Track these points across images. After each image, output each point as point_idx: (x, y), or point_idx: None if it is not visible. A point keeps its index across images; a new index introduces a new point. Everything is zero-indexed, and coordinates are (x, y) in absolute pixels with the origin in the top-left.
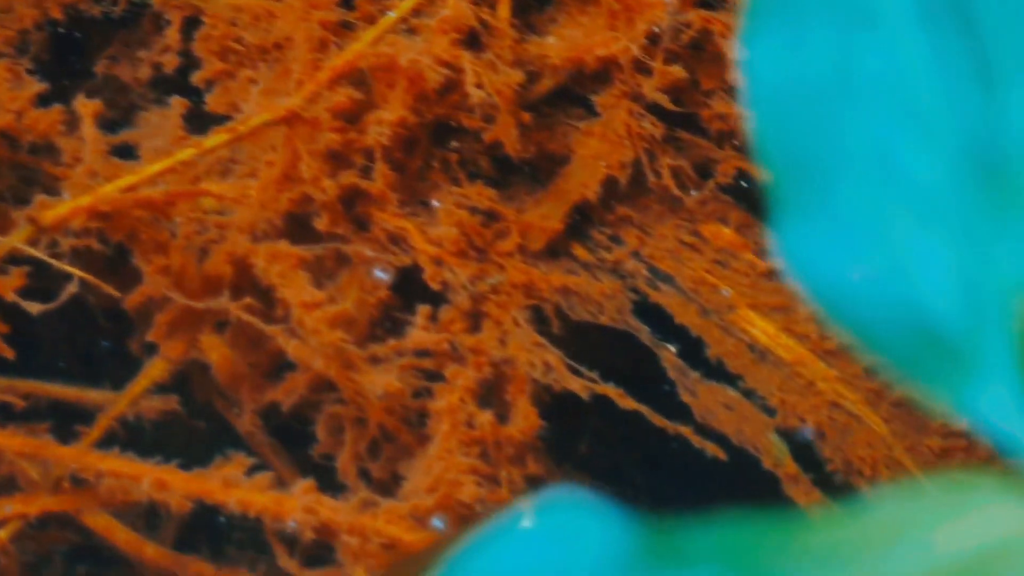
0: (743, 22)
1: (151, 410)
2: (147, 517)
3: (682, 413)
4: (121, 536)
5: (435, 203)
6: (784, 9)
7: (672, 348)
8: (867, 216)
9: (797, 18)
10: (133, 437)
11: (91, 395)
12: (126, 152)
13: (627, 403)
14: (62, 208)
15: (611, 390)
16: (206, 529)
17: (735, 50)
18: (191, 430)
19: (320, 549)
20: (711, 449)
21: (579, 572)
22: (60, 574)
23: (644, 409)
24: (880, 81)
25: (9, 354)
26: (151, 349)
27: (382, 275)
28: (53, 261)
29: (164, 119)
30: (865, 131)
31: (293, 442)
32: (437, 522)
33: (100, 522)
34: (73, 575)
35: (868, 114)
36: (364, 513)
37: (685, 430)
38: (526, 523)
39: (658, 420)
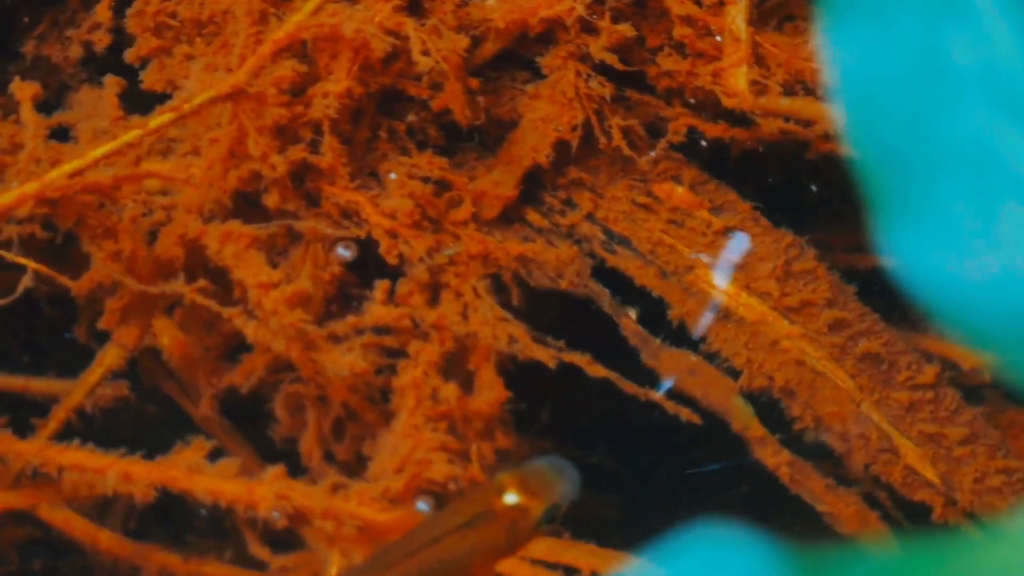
0: (823, 14)
1: (103, 397)
2: (101, 507)
3: (650, 378)
4: (80, 528)
5: (392, 175)
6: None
7: (632, 314)
8: (973, 212)
9: (880, 8)
10: (82, 425)
11: (47, 385)
12: (61, 135)
13: (596, 371)
14: (8, 196)
15: (579, 358)
16: (165, 518)
17: (818, 43)
18: (141, 415)
19: (289, 533)
20: (685, 415)
21: None
22: (16, 568)
23: (614, 376)
24: (972, 72)
25: None
26: (99, 337)
27: (344, 252)
28: (4, 253)
29: (99, 99)
30: (962, 124)
31: (248, 425)
32: (422, 504)
33: (58, 516)
34: (29, 569)
35: (963, 106)
36: (336, 496)
37: (658, 397)
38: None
39: (629, 387)
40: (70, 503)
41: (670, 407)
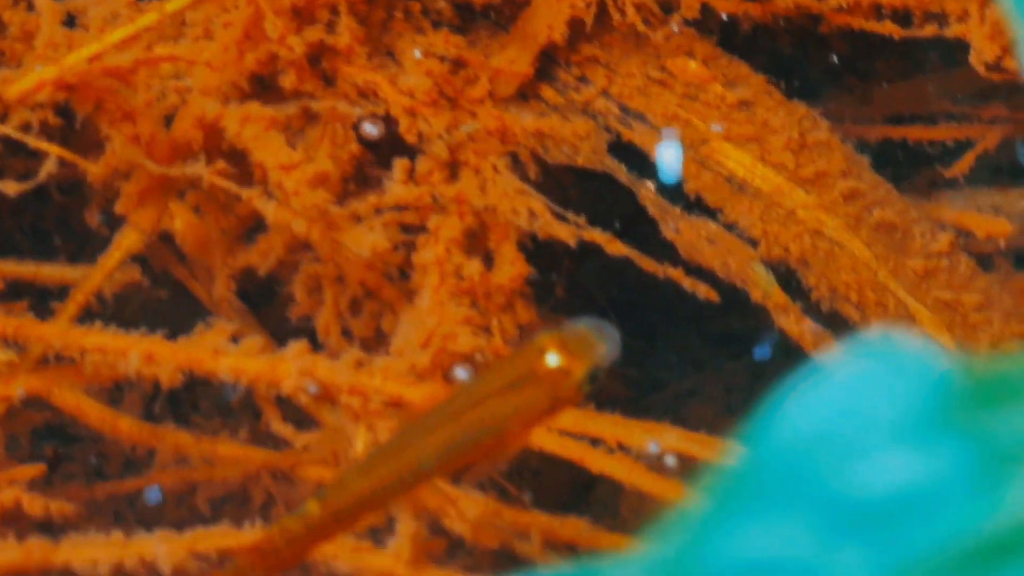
0: None
1: (114, 283)
2: (110, 392)
3: (667, 253)
4: (93, 413)
5: (416, 53)
6: None
7: (651, 185)
8: None
9: None
10: (94, 311)
11: (58, 272)
12: (69, 22)
13: (616, 248)
14: (27, 82)
15: (600, 235)
16: (169, 401)
17: None
18: (152, 300)
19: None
20: (702, 291)
21: (907, 408)
22: (27, 455)
23: (634, 254)
24: None
25: None
26: (111, 222)
27: (371, 129)
28: (27, 138)
29: None
30: None
31: (258, 311)
32: (460, 372)
33: (70, 400)
34: (40, 454)
35: None
36: (361, 372)
37: (675, 272)
38: (844, 366)
39: (648, 265)
40: (86, 388)
41: (688, 283)
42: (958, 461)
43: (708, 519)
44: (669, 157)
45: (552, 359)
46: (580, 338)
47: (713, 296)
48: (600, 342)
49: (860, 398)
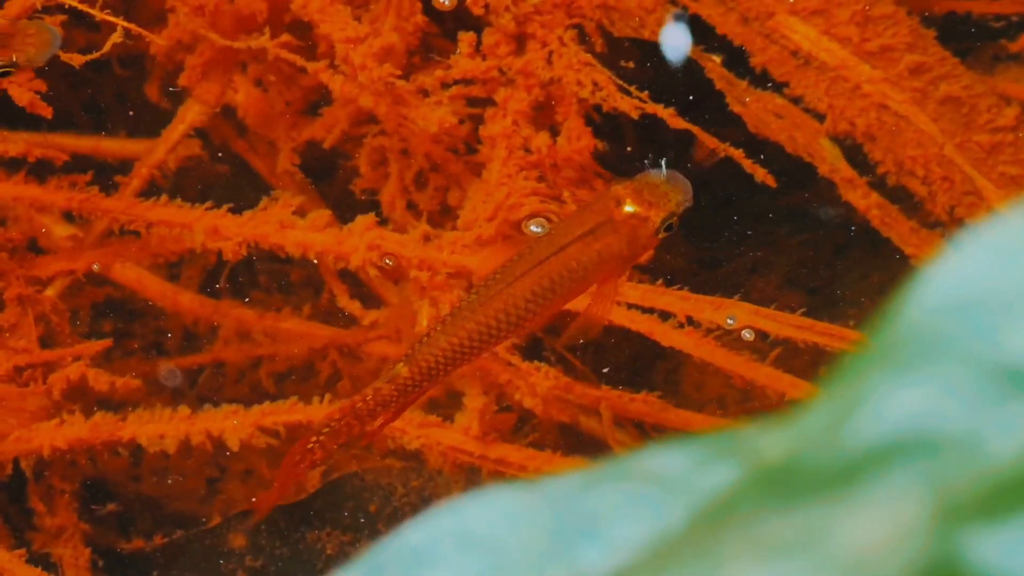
0: None
1: (176, 157)
2: (167, 269)
3: (733, 126)
4: (154, 288)
5: None
6: None
7: (717, 59)
8: None
9: None
10: (157, 186)
11: (119, 145)
12: None
13: (677, 123)
14: None
15: (662, 110)
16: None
17: None
18: (211, 174)
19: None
20: (760, 174)
21: None
22: (86, 330)
23: (695, 129)
24: None
25: (48, 112)
26: (173, 96)
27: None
28: (93, 11)
29: None
30: None
31: (320, 182)
32: (535, 227)
33: (130, 275)
34: (100, 330)
35: None
36: (429, 245)
37: (736, 152)
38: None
39: (709, 140)
40: (146, 263)
41: (747, 165)
42: None
43: (864, 383)
44: (676, 39)
45: (629, 207)
46: (654, 186)
47: (771, 181)
48: (675, 190)
49: (1011, 264)
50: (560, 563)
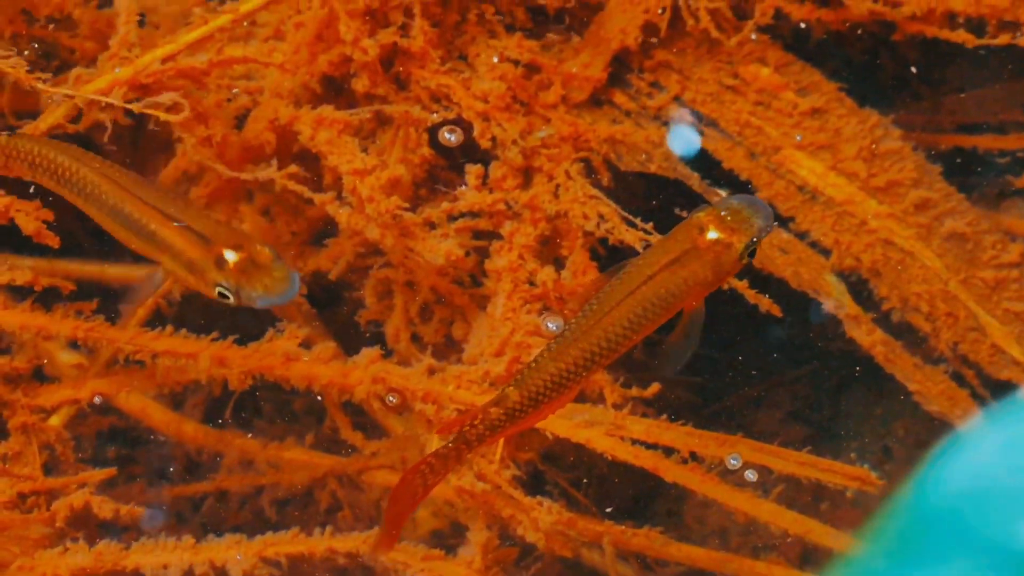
0: None
1: (179, 287)
2: (171, 396)
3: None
4: (158, 416)
5: (495, 59)
6: None
7: (723, 193)
8: None
9: None
10: (163, 315)
11: (124, 272)
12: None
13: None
14: (101, 82)
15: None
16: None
17: None
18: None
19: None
20: (765, 304)
21: None
22: (90, 457)
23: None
24: None
25: (55, 243)
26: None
27: (450, 137)
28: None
29: None
30: None
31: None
32: (551, 324)
33: (135, 404)
34: (104, 457)
35: None
36: (435, 379)
37: (739, 285)
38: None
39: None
40: (151, 392)
41: (751, 296)
42: None
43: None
44: (684, 135)
45: (712, 234)
46: (736, 212)
47: (776, 311)
48: (755, 216)
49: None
50: None
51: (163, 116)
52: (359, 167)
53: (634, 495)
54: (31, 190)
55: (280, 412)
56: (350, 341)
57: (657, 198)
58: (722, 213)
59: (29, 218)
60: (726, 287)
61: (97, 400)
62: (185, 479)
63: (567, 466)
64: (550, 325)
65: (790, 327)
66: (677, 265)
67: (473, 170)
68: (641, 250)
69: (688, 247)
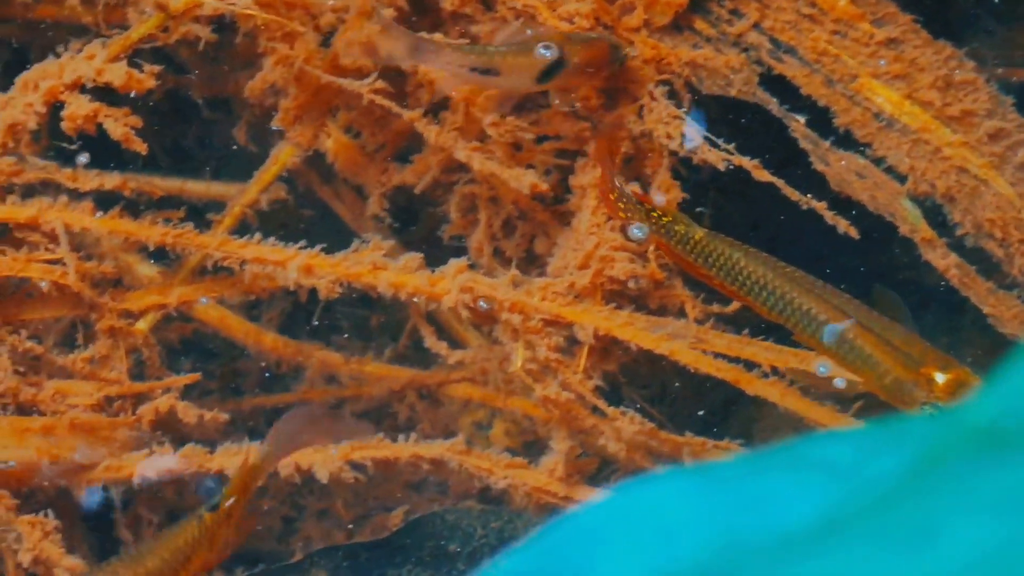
0: None
1: (260, 199)
2: (246, 308)
3: (815, 185)
4: (238, 327)
5: None
6: None
7: (801, 119)
8: None
9: None
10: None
11: (211, 187)
12: None
13: (761, 175)
14: None
15: (747, 162)
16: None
17: None
18: (296, 219)
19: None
20: (843, 225)
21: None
22: (176, 365)
23: (779, 182)
24: None
25: (143, 149)
26: (260, 139)
27: (545, 52)
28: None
29: None
30: None
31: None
32: (636, 230)
33: (213, 314)
34: (178, 368)
35: None
36: (521, 290)
37: (819, 205)
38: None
39: (792, 193)
40: (236, 300)
41: (830, 217)
42: None
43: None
44: (692, 130)
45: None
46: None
47: (853, 232)
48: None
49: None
50: (729, 539)
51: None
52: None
53: (706, 410)
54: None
55: (357, 329)
56: (434, 256)
57: (738, 121)
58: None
59: (118, 124)
60: (805, 206)
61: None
62: (255, 392)
63: (641, 383)
64: (635, 231)
65: (869, 251)
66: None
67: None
68: (723, 168)
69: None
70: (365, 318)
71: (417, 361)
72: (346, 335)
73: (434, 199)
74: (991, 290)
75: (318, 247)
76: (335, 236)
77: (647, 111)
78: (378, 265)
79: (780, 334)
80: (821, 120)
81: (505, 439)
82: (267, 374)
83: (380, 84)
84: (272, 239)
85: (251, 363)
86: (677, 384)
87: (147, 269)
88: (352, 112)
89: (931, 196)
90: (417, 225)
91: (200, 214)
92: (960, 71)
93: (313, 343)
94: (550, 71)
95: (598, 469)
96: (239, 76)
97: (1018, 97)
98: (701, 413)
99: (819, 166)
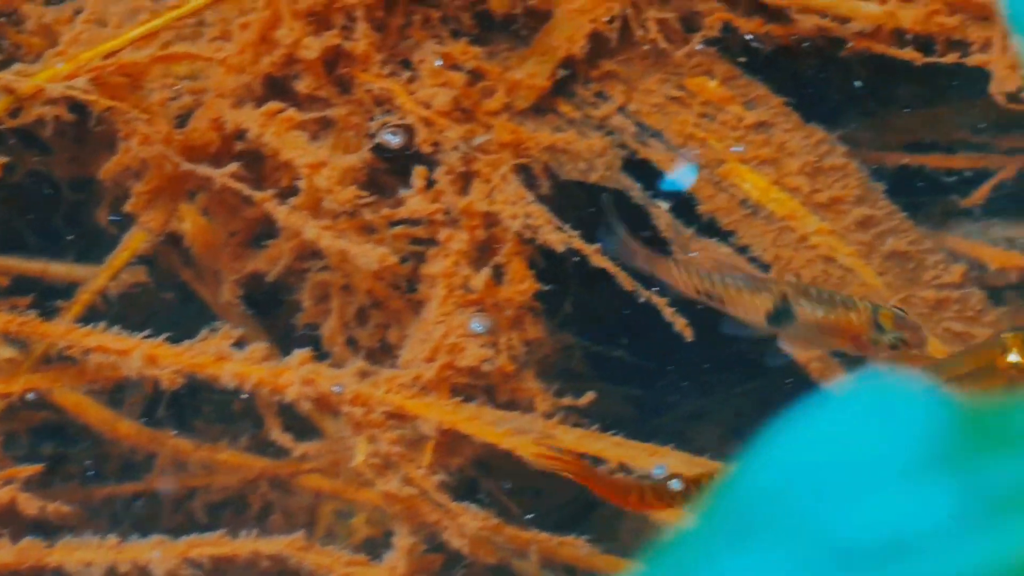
0: None
1: (119, 283)
2: (110, 395)
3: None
4: (94, 414)
5: (437, 62)
6: None
7: (664, 205)
8: None
9: None
10: (98, 312)
11: (66, 270)
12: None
13: (599, 260)
14: (42, 76)
15: (586, 247)
16: (171, 405)
17: None
18: (157, 302)
19: (306, 422)
20: (679, 325)
21: (901, 448)
22: (26, 453)
23: (612, 270)
24: None
25: None
26: (122, 222)
27: (391, 138)
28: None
29: None
30: None
31: (266, 315)
32: (476, 325)
33: (71, 400)
34: (39, 454)
35: None
36: (365, 383)
37: (660, 302)
38: (840, 403)
39: (628, 284)
40: (87, 389)
41: (667, 314)
42: (950, 504)
43: (696, 551)
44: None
45: (1013, 357)
46: None
47: (687, 332)
48: None
49: (854, 436)
50: None
51: (103, 103)
52: (313, 160)
53: (571, 506)
54: None
55: (219, 413)
56: (289, 344)
57: (598, 207)
58: None
59: None
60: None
61: (31, 396)
62: (119, 478)
63: (502, 474)
64: (476, 326)
65: (736, 343)
66: (969, 378)
67: (420, 172)
68: (560, 250)
69: (986, 364)
70: (227, 402)
71: (279, 448)
72: (207, 420)
73: (290, 286)
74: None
75: (164, 336)
76: (199, 320)
77: (497, 193)
78: (222, 356)
79: (631, 429)
80: (685, 207)
81: (366, 528)
82: (124, 462)
83: (235, 168)
84: (117, 327)
85: (114, 448)
86: (540, 476)
87: (2, 352)
88: (208, 195)
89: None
90: (276, 312)
91: (60, 297)
92: (830, 156)
93: (166, 430)
94: (779, 315)
95: (444, 565)
96: (101, 157)
97: (891, 182)
98: (565, 507)
99: (679, 255)
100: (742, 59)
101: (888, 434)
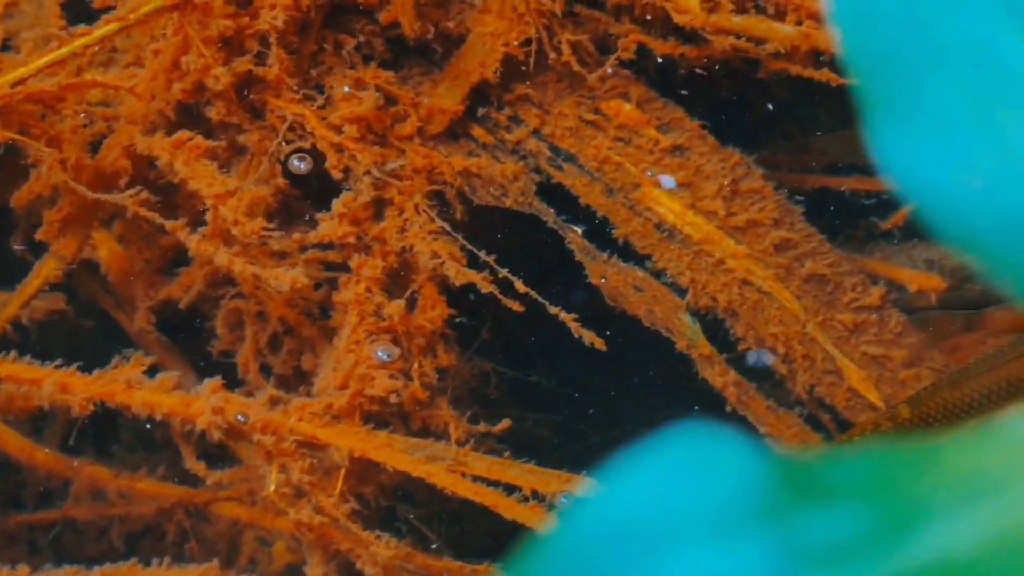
0: None
1: (38, 310)
2: (31, 421)
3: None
4: (12, 442)
5: (345, 88)
6: None
7: (578, 230)
8: (969, 115)
9: None
10: (18, 338)
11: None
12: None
13: (520, 287)
14: None
15: (508, 275)
16: (91, 431)
17: None
18: (77, 329)
19: (226, 450)
20: (589, 337)
21: (714, 502)
22: None
23: (533, 294)
24: None
25: None
26: (36, 248)
27: (299, 164)
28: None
29: (40, 8)
30: (958, 25)
31: (182, 341)
32: (382, 353)
33: None
34: None
35: (960, 7)
36: (275, 411)
37: (568, 317)
38: (654, 458)
39: (549, 307)
40: (3, 417)
41: (575, 329)
42: (763, 560)
43: None
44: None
45: None
46: None
47: (600, 344)
48: None
49: (665, 492)
50: None
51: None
52: (220, 190)
53: (490, 533)
54: None
55: (140, 440)
56: (203, 371)
57: (512, 232)
58: None
59: None
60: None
61: None
62: (38, 506)
63: (419, 502)
64: (380, 354)
65: (653, 367)
66: None
67: (342, 199)
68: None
69: None
70: (149, 430)
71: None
72: (126, 448)
73: (205, 313)
74: (771, 408)
75: (75, 365)
76: (119, 348)
77: (411, 224)
78: (132, 384)
79: (543, 456)
80: (600, 231)
81: (287, 555)
82: (41, 489)
83: (146, 195)
84: (29, 356)
85: (33, 477)
86: (458, 504)
87: None
88: (123, 223)
89: (713, 310)
90: (190, 339)
91: None
92: (747, 179)
93: (83, 458)
94: None
95: None
96: (9, 185)
97: (809, 205)
98: (485, 536)
99: (595, 279)
100: (657, 82)
101: (701, 489)
